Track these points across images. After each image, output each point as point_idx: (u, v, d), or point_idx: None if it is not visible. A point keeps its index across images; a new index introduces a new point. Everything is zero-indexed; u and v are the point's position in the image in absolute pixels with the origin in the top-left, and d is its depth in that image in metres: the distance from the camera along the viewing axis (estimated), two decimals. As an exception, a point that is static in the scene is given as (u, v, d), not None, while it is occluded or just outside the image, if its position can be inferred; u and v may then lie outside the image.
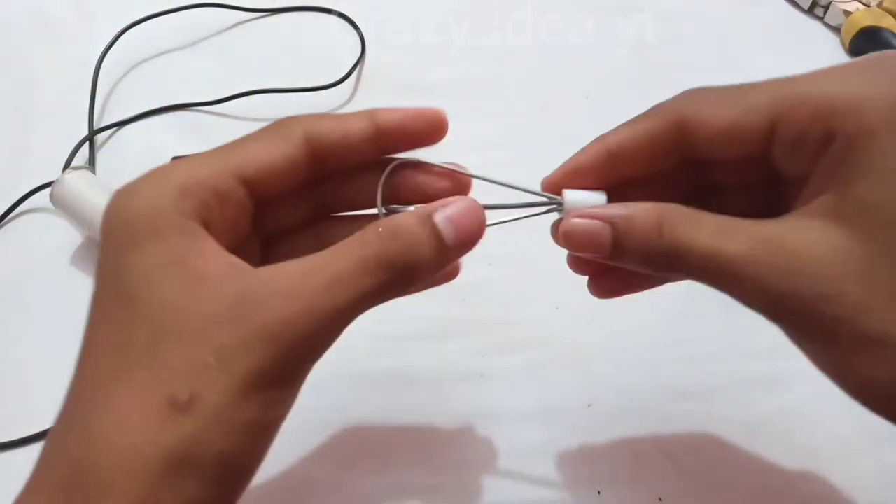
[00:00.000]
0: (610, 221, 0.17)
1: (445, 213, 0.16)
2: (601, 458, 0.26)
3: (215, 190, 0.15)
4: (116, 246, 0.15)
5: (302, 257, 0.15)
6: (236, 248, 0.16)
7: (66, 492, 0.14)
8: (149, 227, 0.14)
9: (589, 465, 0.25)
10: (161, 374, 0.14)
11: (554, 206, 0.19)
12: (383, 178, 0.18)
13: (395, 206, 0.19)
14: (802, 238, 0.15)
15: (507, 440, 0.26)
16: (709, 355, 0.28)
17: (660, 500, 0.25)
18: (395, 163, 0.19)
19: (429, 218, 0.16)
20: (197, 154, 0.16)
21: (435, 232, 0.16)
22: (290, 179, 0.17)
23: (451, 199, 0.17)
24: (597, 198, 0.18)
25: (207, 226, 0.15)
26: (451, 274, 0.19)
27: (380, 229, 0.16)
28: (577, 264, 0.20)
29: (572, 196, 0.18)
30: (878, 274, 0.14)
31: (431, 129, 0.19)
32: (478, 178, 0.19)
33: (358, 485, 0.24)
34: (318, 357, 0.15)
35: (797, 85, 0.17)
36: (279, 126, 0.17)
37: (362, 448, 0.25)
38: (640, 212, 0.16)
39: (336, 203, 0.19)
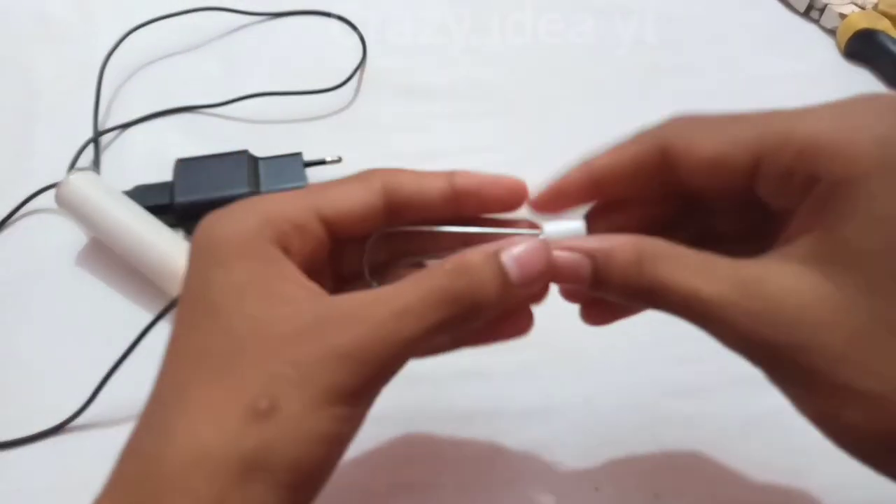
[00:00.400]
0: (590, 255, 0.17)
1: (511, 252, 0.17)
2: (599, 455, 0.26)
3: (295, 222, 0.16)
4: (204, 262, 0.16)
5: (373, 290, 0.16)
6: (312, 278, 0.16)
7: (138, 487, 0.14)
8: (236, 247, 0.16)
9: (587, 462, 0.26)
10: (241, 382, 0.14)
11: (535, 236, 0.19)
12: (368, 247, 0.19)
13: (418, 257, 0.20)
14: (782, 283, 0.15)
15: (506, 438, 0.26)
16: (707, 353, 0.28)
17: (657, 496, 0.25)
18: (378, 232, 0.19)
19: (495, 255, 0.16)
20: (284, 192, 0.17)
21: (500, 269, 0.16)
22: (367, 224, 0.18)
23: (519, 238, 0.17)
24: (576, 226, 0.19)
25: (287, 253, 0.16)
26: (524, 326, 0.19)
27: (447, 266, 0.16)
28: (567, 293, 0.20)
29: (551, 227, 0.19)
30: (857, 324, 0.14)
31: (509, 196, 0.19)
32: (452, 230, 0.19)
33: (356, 483, 0.24)
34: (386, 382, 0.16)
35: (784, 121, 0.17)
36: (363, 174, 0.18)
37: (361, 447, 0.25)
38: (619, 246, 0.17)
39: (411, 254, 0.20)
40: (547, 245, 0.17)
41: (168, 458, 0.14)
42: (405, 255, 0.20)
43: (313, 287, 0.16)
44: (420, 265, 0.20)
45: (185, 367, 0.15)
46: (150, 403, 0.16)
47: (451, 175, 0.18)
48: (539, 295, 0.19)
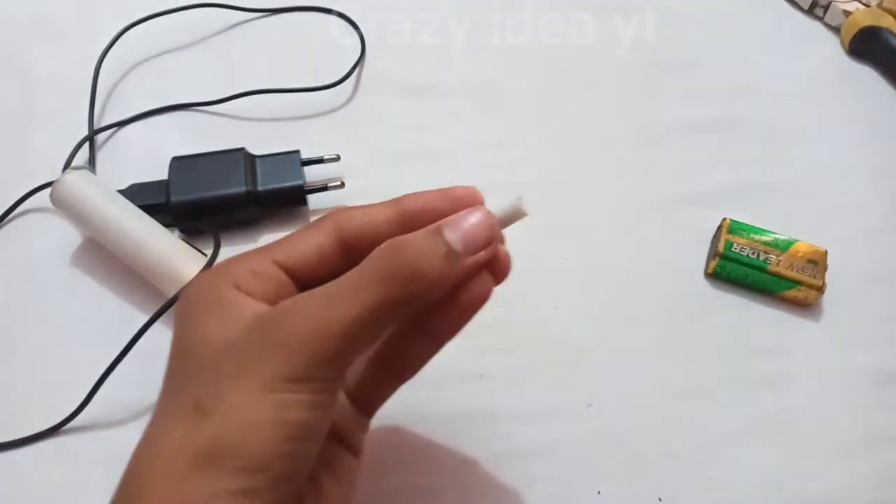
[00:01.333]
0: None
1: (452, 224, 0.18)
2: (601, 457, 0.26)
3: (252, 269, 0.18)
4: (179, 317, 0.18)
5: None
6: None
7: (118, 495, 0.16)
8: (199, 298, 0.18)
9: (589, 464, 0.25)
10: (191, 389, 0.16)
11: None
12: None
13: None
14: None
15: (506, 440, 0.26)
16: (708, 355, 0.29)
17: (660, 500, 0.25)
18: None
19: (437, 229, 0.18)
20: (250, 250, 0.19)
21: (439, 239, 0.17)
22: (327, 263, 0.19)
23: (461, 212, 0.18)
24: (514, 199, 0.19)
25: (249, 294, 0.18)
26: (482, 295, 0.18)
27: (382, 246, 0.17)
28: None
29: (491, 205, 0.20)
30: None
31: (457, 206, 0.19)
32: None
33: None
34: (335, 365, 0.16)
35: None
36: (318, 220, 0.19)
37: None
38: None
39: None
40: (488, 213, 0.18)
41: (135, 467, 0.16)
42: None
43: (257, 306, 0.17)
44: None
45: (161, 401, 0.17)
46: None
47: (397, 201, 0.19)
48: (497, 268, 0.19)
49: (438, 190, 0.19)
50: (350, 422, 0.20)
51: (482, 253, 0.18)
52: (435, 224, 0.18)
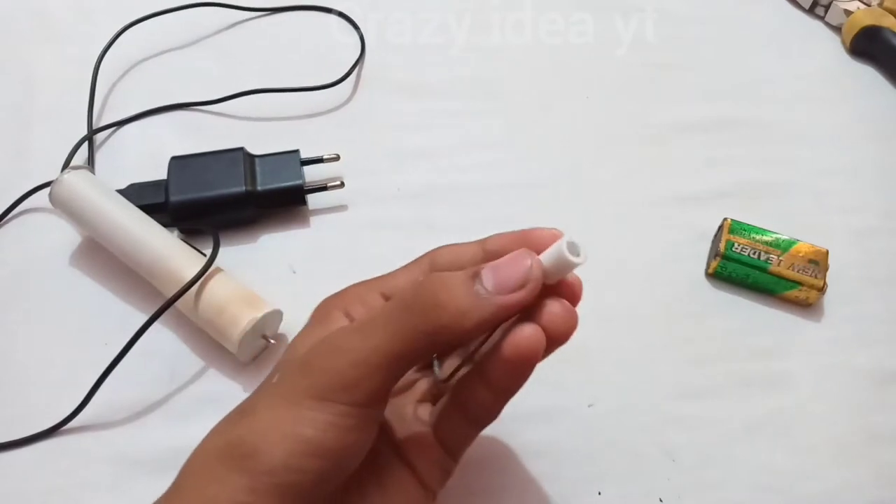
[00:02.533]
0: None
1: (496, 261, 0.18)
2: (602, 458, 0.26)
3: (360, 297, 0.20)
4: (306, 325, 0.21)
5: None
6: None
7: (174, 482, 0.18)
8: (315, 313, 0.21)
9: (589, 465, 0.25)
10: (249, 397, 0.19)
11: None
12: None
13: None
14: None
15: (507, 440, 0.26)
16: (709, 355, 0.28)
17: (660, 500, 0.25)
18: None
19: (479, 268, 0.18)
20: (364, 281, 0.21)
21: (468, 274, 0.17)
22: None
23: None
24: (560, 244, 0.18)
25: (351, 319, 0.20)
26: (526, 346, 0.18)
27: (416, 283, 0.18)
28: None
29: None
30: None
31: (534, 248, 0.18)
32: None
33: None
34: (353, 392, 0.17)
35: None
36: (418, 257, 0.21)
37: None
38: None
39: None
40: (526, 254, 0.18)
41: (191, 455, 0.18)
42: None
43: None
44: None
45: None
46: None
47: (483, 240, 0.20)
48: (552, 325, 0.18)
49: (520, 231, 0.20)
50: (428, 455, 0.20)
51: (516, 294, 0.17)
52: (480, 266, 0.18)
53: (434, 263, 0.20)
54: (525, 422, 0.26)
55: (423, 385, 0.22)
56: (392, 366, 0.17)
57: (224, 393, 0.26)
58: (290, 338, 0.28)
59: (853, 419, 0.27)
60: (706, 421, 0.27)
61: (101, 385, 0.25)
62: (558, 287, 0.18)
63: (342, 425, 0.17)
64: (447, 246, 0.21)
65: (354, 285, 0.21)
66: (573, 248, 0.17)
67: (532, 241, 0.19)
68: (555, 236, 0.19)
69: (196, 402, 0.26)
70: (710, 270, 0.31)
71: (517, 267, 0.17)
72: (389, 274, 0.21)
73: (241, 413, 0.18)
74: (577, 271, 0.19)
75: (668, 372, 0.28)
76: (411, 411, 0.21)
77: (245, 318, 0.25)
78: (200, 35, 0.38)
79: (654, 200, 0.33)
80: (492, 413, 0.20)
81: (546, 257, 0.18)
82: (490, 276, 0.17)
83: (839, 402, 0.28)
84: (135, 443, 0.25)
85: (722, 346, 0.29)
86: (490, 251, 0.20)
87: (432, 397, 0.21)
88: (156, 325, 0.25)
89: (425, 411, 0.21)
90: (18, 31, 0.38)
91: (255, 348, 0.27)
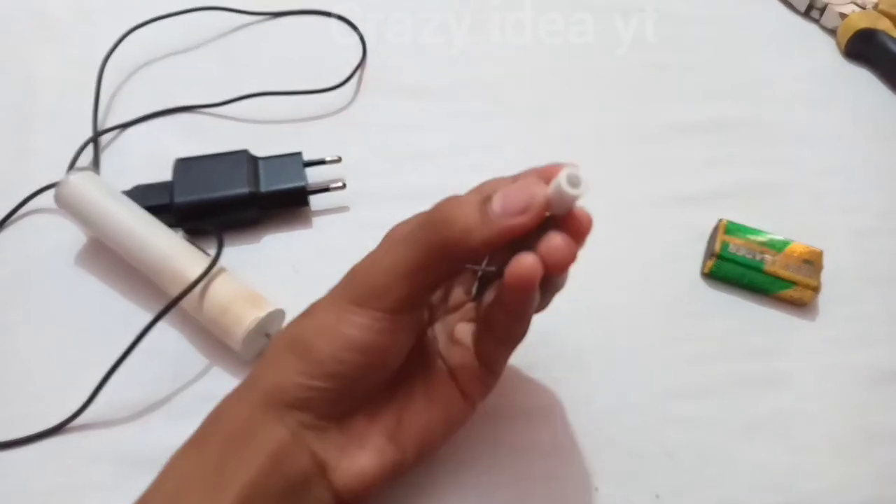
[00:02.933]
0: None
1: (505, 189, 0.19)
2: (599, 455, 0.26)
3: None
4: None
5: None
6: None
7: (255, 366, 0.22)
8: (389, 236, 0.23)
9: (587, 462, 0.26)
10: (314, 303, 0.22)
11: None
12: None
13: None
14: None
15: (506, 438, 0.26)
16: (708, 355, 0.29)
17: (657, 496, 0.25)
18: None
19: (489, 193, 0.19)
20: None
21: (483, 199, 0.19)
22: None
23: None
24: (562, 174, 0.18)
25: None
26: (522, 271, 0.19)
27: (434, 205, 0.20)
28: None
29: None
30: None
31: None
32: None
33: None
34: (384, 299, 0.20)
35: None
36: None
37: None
38: None
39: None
40: (532, 181, 0.19)
41: (268, 345, 0.23)
42: None
43: None
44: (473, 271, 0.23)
45: None
46: None
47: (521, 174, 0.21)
48: (550, 256, 0.19)
49: (557, 164, 0.20)
50: (470, 370, 0.23)
51: (518, 218, 0.18)
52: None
53: (481, 191, 0.21)
54: (524, 420, 0.26)
55: (470, 306, 0.24)
56: (415, 276, 0.20)
57: (228, 391, 0.26)
58: (293, 337, 0.28)
59: (851, 418, 0.27)
60: (704, 420, 0.27)
61: (106, 384, 0.25)
62: (566, 220, 0.19)
63: (376, 328, 0.20)
64: (453, 196, 0.21)
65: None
66: (573, 180, 0.18)
67: (554, 173, 0.19)
68: (556, 170, 0.19)
69: (200, 400, 0.26)
70: (706, 270, 0.31)
71: (523, 193, 0.18)
72: None
73: (303, 315, 0.22)
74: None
75: (665, 371, 0.28)
76: (457, 329, 0.23)
77: (248, 317, 0.26)
78: (204, 39, 0.38)
79: (653, 200, 0.33)
80: (512, 333, 0.22)
81: (550, 187, 0.18)
82: (499, 200, 0.19)
83: (837, 402, 0.28)
84: (138, 441, 0.25)
85: (719, 345, 0.29)
86: None
87: (475, 317, 0.24)
88: (160, 325, 0.26)
89: (467, 330, 0.23)
90: (19, 31, 0.38)
91: (259, 347, 0.27)
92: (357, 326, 0.20)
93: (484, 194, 0.19)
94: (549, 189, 0.18)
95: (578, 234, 0.19)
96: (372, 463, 0.21)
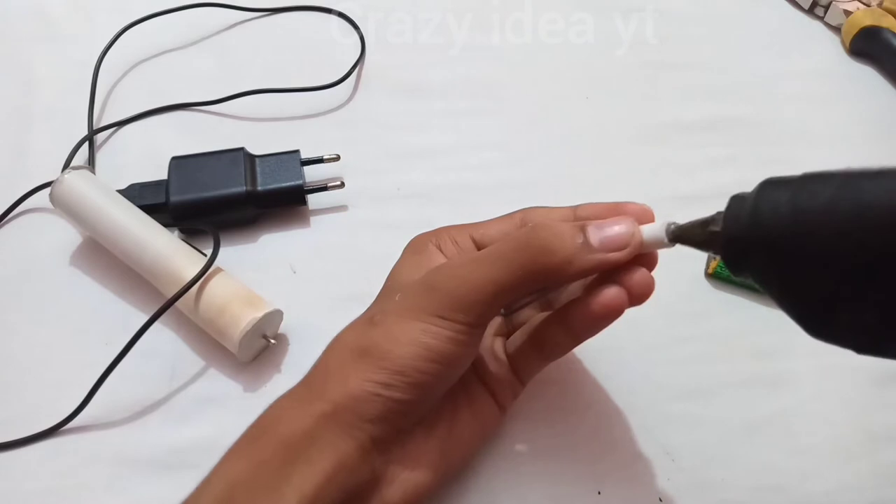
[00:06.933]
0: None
1: (599, 221, 0.21)
2: (601, 458, 0.26)
3: (452, 237, 0.24)
4: (401, 256, 0.24)
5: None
6: None
7: (311, 369, 0.22)
8: (411, 247, 0.24)
9: (589, 465, 0.25)
10: (373, 308, 0.23)
11: None
12: None
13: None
14: None
15: (507, 440, 0.26)
16: (709, 355, 0.28)
17: (660, 500, 0.25)
18: None
19: (583, 224, 0.20)
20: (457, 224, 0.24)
21: (578, 229, 0.20)
22: None
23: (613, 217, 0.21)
24: (658, 225, 0.21)
25: (444, 254, 0.23)
26: (613, 304, 0.21)
27: (529, 224, 0.22)
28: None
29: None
30: None
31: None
32: None
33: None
34: (468, 313, 0.20)
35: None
36: (511, 213, 0.24)
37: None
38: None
39: None
40: (633, 223, 0.20)
41: (326, 352, 0.22)
42: None
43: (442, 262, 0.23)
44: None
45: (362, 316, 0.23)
46: None
47: (575, 207, 0.23)
48: (635, 289, 0.21)
49: (613, 203, 0.22)
50: (504, 381, 0.24)
51: (616, 254, 0.20)
52: (585, 221, 0.21)
53: (525, 220, 0.23)
54: (524, 422, 0.26)
55: (497, 321, 0.25)
56: (500, 295, 0.20)
57: (224, 393, 0.26)
58: (291, 338, 0.28)
59: (854, 419, 0.27)
60: (706, 421, 0.27)
61: (102, 385, 0.25)
62: (640, 256, 0.21)
63: (456, 339, 0.20)
64: (540, 207, 0.24)
65: (445, 227, 0.24)
66: (670, 231, 0.20)
67: (623, 211, 0.22)
68: (645, 211, 0.21)
69: (196, 401, 0.26)
70: (710, 271, 0.31)
71: (623, 230, 0.20)
72: (481, 222, 0.24)
73: (369, 322, 0.21)
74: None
75: (668, 371, 0.28)
76: (490, 343, 0.24)
77: (245, 317, 0.25)
78: (201, 35, 0.38)
79: (653, 200, 0.33)
80: (564, 351, 0.23)
81: (646, 231, 0.20)
82: (596, 234, 0.20)
83: (840, 402, 0.28)
84: (135, 443, 0.25)
85: (722, 345, 0.29)
86: (581, 217, 0.22)
87: (505, 332, 0.25)
88: (156, 325, 0.25)
89: (500, 344, 0.24)
90: (18, 30, 0.38)
91: (256, 348, 0.27)
92: (441, 338, 0.20)
93: (577, 221, 0.21)
94: (646, 234, 0.20)
95: (650, 268, 0.21)
96: (427, 478, 0.21)
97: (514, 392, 0.24)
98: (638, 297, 0.21)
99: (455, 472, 0.23)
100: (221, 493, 0.19)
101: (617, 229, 0.20)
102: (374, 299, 0.23)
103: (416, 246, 0.24)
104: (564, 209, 0.23)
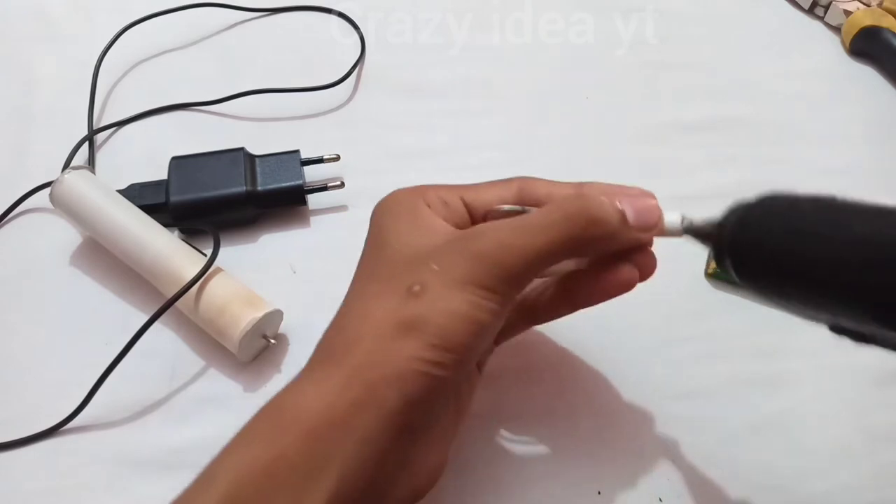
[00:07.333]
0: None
1: (625, 196, 0.20)
2: (601, 458, 0.26)
3: (442, 198, 0.22)
4: (379, 215, 0.22)
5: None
6: None
7: (328, 346, 0.20)
8: (397, 206, 0.22)
9: (589, 465, 0.25)
10: (400, 279, 0.20)
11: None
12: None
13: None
14: None
15: (507, 440, 0.26)
16: (709, 355, 0.28)
17: (660, 500, 0.25)
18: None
19: (612, 198, 0.20)
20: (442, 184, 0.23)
21: (618, 206, 0.20)
22: (500, 216, 0.22)
23: (636, 192, 0.21)
24: (675, 216, 0.22)
25: (437, 216, 0.21)
26: (627, 281, 0.21)
27: (572, 193, 0.21)
28: None
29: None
30: None
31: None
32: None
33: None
34: (515, 282, 0.19)
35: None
36: (506, 179, 0.23)
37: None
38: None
39: None
40: (654, 198, 0.21)
41: (347, 324, 0.20)
42: None
43: (448, 226, 0.21)
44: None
45: (362, 280, 0.21)
46: (340, 308, 0.21)
47: (580, 184, 0.22)
48: (645, 266, 0.22)
49: (616, 185, 0.22)
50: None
51: (645, 234, 0.20)
52: (621, 197, 0.20)
53: (524, 189, 0.22)
54: (524, 422, 0.26)
55: None
56: (544, 264, 0.20)
57: (224, 393, 0.26)
58: (291, 338, 0.28)
59: (854, 419, 0.27)
60: (706, 421, 0.27)
61: (102, 385, 0.25)
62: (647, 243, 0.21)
63: (499, 312, 0.19)
64: (540, 179, 0.22)
65: (427, 186, 0.22)
66: (683, 222, 0.21)
67: (645, 195, 0.21)
68: (644, 194, 0.21)
69: (196, 401, 0.26)
70: (710, 270, 0.31)
71: (653, 213, 0.21)
72: (472, 186, 0.22)
73: (409, 295, 0.19)
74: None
75: (668, 371, 0.28)
76: None
77: (245, 317, 0.25)
78: (201, 35, 0.38)
79: (653, 200, 0.33)
80: (553, 318, 0.23)
81: (665, 218, 0.21)
82: (632, 212, 0.20)
83: (840, 403, 0.28)
84: (135, 443, 0.25)
85: (722, 345, 0.29)
86: (587, 191, 0.22)
87: None
88: (156, 325, 0.25)
89: None
90: (18, 30, 0.38)
91: (256, 348, 0.27)
92: (487, 311, 0.19)
93: (610, 198, 0.20)
94: (665, 220, 0.21)
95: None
96: (443, 461, 0.20)
97: (489, 352, 0.24)
98: (646, 276, 0.21)
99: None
100: (227, 494, 0.16)
101: (650, 207, 0.21)
102: (361, 260, 0.21)
103: (404, 204, 0.21)
104: (569, 185, 0.22)
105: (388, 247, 0.21)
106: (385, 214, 0.22)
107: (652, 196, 0.21)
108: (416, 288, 0.19)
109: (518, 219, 0.20)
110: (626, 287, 0.21)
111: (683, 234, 0.21)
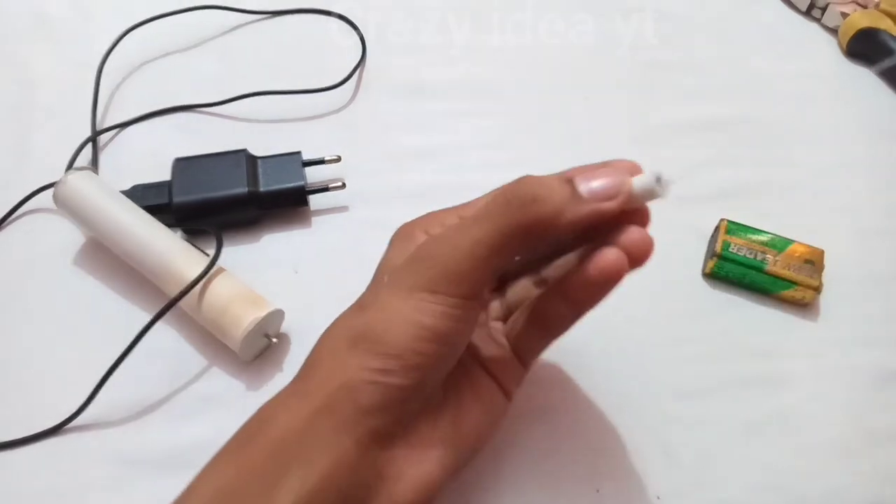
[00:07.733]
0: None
1: (580, 172, 0.19)
2: (601, 457, 0.26)
3: (441, 221, 0.22)
4: (386, 249, 0.23)
5: None
6: None
7: (303, 366, 0.20)
8: (398, 235, 0.23)
9: (588, 464, 0.25)
10: (363, 296, 0.21)
11: None
12: None
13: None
14: None
15: (506, 439, 0.26)
16: (709, 355, 0.29)
17: (658, 498, 0.25)
18: None
19: (569, 176, 0.19)
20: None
21: (565, 180, 0.19)
22: None
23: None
24: (649, 175, 0.19)
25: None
26: (611, 267, 0.19)
27: (512, 184, 0.20)
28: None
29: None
30: None
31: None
32: None
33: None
34: (463, 284, 0.19)
35: None
36: (498, 188, 0.22)
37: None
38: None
39: None
40: (618, 171, 0.19)
41: (318, 346, 0.20)
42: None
43: None
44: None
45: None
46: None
47: (566, 172, 0.21)
48: (634, 250, 0.19)
49: (602, 162, 0.20)
50: (507, 366, 0.23)
51: (608, 203, 0.18)
52: (573, 172, 0.19)
53: (560, 174, 0.21)
54: (524, 421, 0.26)
55: (496, 306, 0.24)
56: (493, 259, 0.19)
57: (227, 392, 0.26)
58: (293, 337, 0.28)
59: (853, 419, 0.27)
60: (705, 420, 0.27)
61: (104, 384, 0.25)
62: (632, 213, 0.19)
63: (452, 315, 0.19)
64: (530, 175, 0.21)
65: (432, 213, 0.23)
66: (660, 181, 0.19)
67: (629, 167, 0.20)
68: (634, 166, 0.20)
69: (199, 401, 0.26)
70: (707, 270, 0.31)
71: (611, 179, 0.19)
72: (466, 203, 0.23)
73: (360, 308, 0.20)
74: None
75: (666, 371, 0.28)
76: (488, 328, 0.23)
77: (248, 317, 0.25)
78: (203, 38, 0.38)
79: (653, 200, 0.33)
80: (565, 326, 0.22)
81: (636, 181, 0.19)
82: (586, 183, 0.19)
83: (839, 402, 0.28)
84: (137, 442, 0.25)
85: (719, 345, 0.29)
86: (572, 178, 0.21)
87: (503, 317, 0.24)
88: (159, 325, 0.26)
89: (499, 327, 0.23)
90: (21, 32, 0.38)
91: (258, 347, 0.27)
92: (436, 315, 0.18)
93: (563, 177, 0.19)
94: (636, 183, 0.19)
95: (643, 226, 0.20)
96: (435, 471, 0.20)
97: (517, 376, 0.23)
98: (637, 257, 0.19)
99: (464, 463, 0.21)
100: (209, 500, 0.18)
101: (606, 178, 0.19)
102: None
103: (404, 234, 0.22)
104: (555, 177, 0.21)
105: (377, 275, 0.22)
106: (390, 245, 0.23)
107: (625, 164, 0.20)
108: (367, 301, 0.20)
109: (462, 215, 0.20)
110: (613, 273, 0.19)
111: (663, 193, 0.19)
